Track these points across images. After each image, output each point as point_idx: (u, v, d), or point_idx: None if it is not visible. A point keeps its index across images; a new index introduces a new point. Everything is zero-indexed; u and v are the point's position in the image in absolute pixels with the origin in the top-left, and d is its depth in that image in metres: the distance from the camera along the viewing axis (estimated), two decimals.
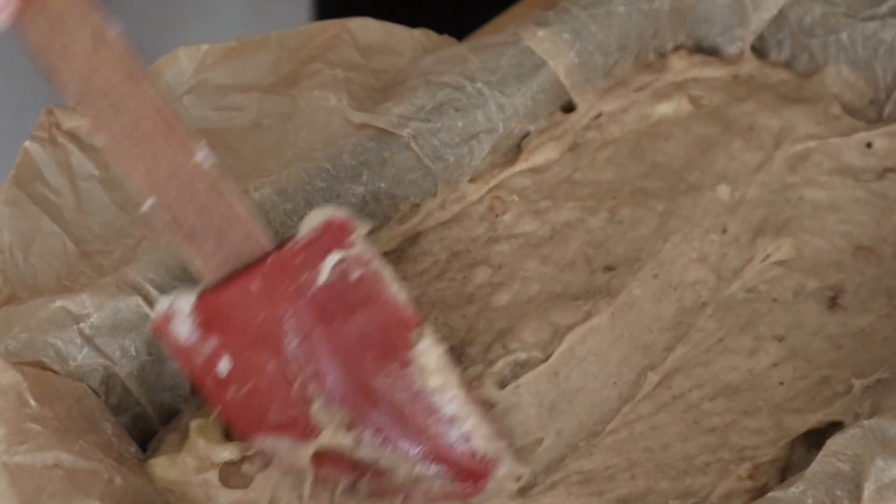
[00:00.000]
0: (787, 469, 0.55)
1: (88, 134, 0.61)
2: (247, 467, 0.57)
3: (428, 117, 0.64)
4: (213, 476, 0.56)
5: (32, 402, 0.52)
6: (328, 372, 0.54)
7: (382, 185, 0.63)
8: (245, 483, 0.56)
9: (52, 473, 0.51)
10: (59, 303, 0.56)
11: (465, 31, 0.75)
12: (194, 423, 0.57)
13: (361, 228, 0.55)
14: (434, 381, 0.55)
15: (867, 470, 0.49)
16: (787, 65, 0.71)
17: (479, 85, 0.65)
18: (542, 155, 0.66)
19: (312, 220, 0.54)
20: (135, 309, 0.57)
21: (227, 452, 0.56)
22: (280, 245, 0.54)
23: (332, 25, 0.67)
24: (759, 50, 0.71)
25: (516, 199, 0.66)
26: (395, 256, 0.64)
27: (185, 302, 0.54)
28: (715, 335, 0.60)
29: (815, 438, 0.55)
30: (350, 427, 0.54)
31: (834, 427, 0.55)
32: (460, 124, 0.65)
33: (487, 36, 0.69)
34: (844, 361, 0.59)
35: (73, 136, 0.62)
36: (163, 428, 0.59)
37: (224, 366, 0.54)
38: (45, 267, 0.59)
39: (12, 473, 0.50)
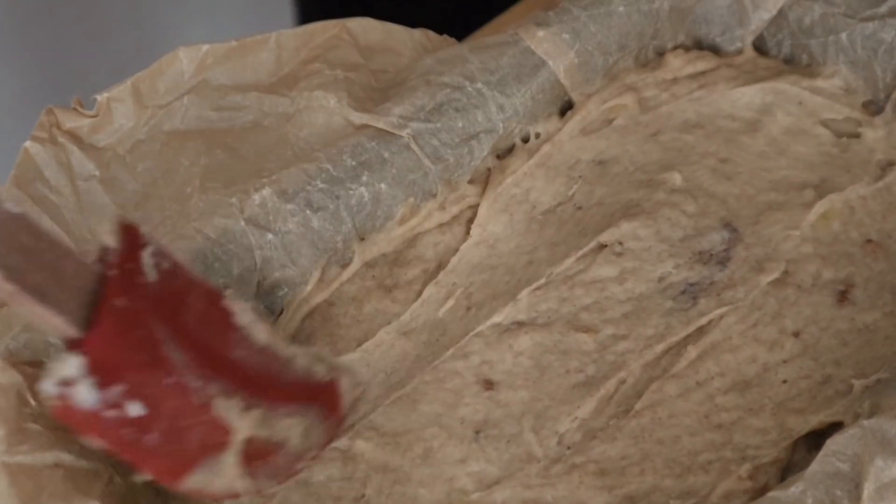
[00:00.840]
0: (787, 470, 0.55)
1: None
2: None
3: (428, 117, 0.64)
4: None
5: (32, 402, 0.52)
6: (205, 363, 0.50)
7: (383, 185, 0.63)
8: None
9: (52, 473, 0.51)
10: None
11: (465, 31, 0.75)
12: None
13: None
14: (259, 335, 0.53)
15: (867, 470, 0.49)
16: (787, 62, 0.71)
17: (478, 85, 0.65)
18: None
19: (108, 229, 0.50)
20: None
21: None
22: (103, 259, 0.49)
23: (332, 25, 0.67)
24: (759, 50, 0.71)
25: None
26: (393, 258, 0.64)
27: (71, 366, 0.47)
28: (750, 319, 0.61)
29: (816, 439, 0.55)
30: (248, 408, 0.51)
31: (834, 428, 0.55)
32: (460, 124, 0.65)
33: (487, 36, 0.69)
34: (848, 359, 0.59)
35: (73, 136, 0.62)
36: None
37: (135, 409, 0.48)
38: None
39: (12, 473, 0.50)
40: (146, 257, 0.50)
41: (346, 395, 0.54)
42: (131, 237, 0.50)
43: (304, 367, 0.54)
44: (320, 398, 0.54)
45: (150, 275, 0.50)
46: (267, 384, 0.52)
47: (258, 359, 0.52)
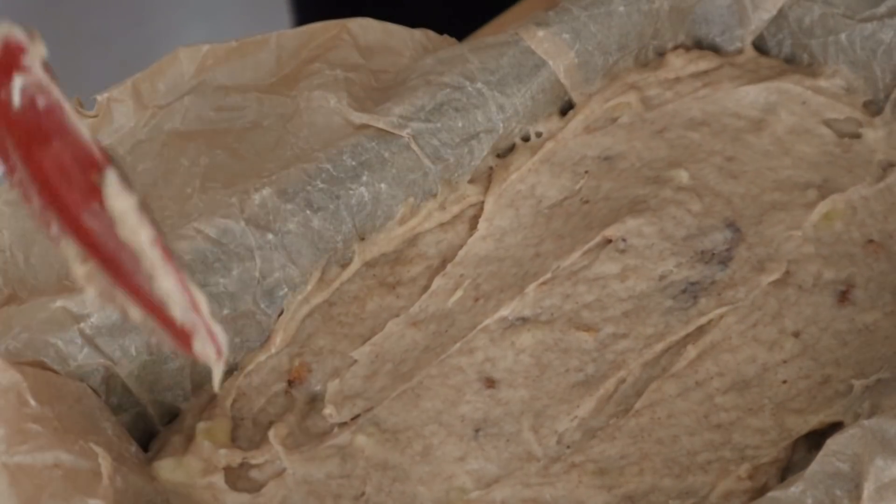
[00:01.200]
0: (787, 469, 0.55)
1: None
2: (255, 473, 0.57)
3: (428, 117, 0.64)
4: (219, 479, 0.56)
5: (32, 402, 0.52)
6: (50, 198, 0.47)
7: (383, 185, 0.63)
8: (253, 487, 0.56)
9: (52, 473, 0.51)
10: (59, 303, 0.56)
11: (465, 31, 0.75)
12: (201, 425, 0.57)
13: (38, 50, 0.47)
14: (125, 231, 0.47)
15: (866, 470, 0.49)
16: (788, 62, 0.71)
17: (479, 85, 0.66)
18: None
19: None
20: None
21: (225, 458, 0.56)
22: None
23: (333, 26, 0.67)
24: (759, 49, 0.71)
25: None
26: (394, 257, 0.64)
27: None
28: (749, 319, 0.61)
29: (816, 439, 0.55)
30: (84, 261, 0.47)
31: (834, 428, 0.55)
32: (460, 124, 0.65)
33: (487, 36, 0.69)
34: (847, 359, 0.59)
35: None
36: (164, 428, 0.59)
37: None
38: (45, 267, 0.59)
39: (12, 473, 0.50)
40: (18, 82, 0.47)
41: (196, 347, 0.48)
42: (9, 55, 0.47)
43: (161, 294, 0.48)
44: (167, 322, 0.48)
45: (16, 99, 0.46)
46: (114, 264, 0.47)
47: (112, 243, 0.47)
